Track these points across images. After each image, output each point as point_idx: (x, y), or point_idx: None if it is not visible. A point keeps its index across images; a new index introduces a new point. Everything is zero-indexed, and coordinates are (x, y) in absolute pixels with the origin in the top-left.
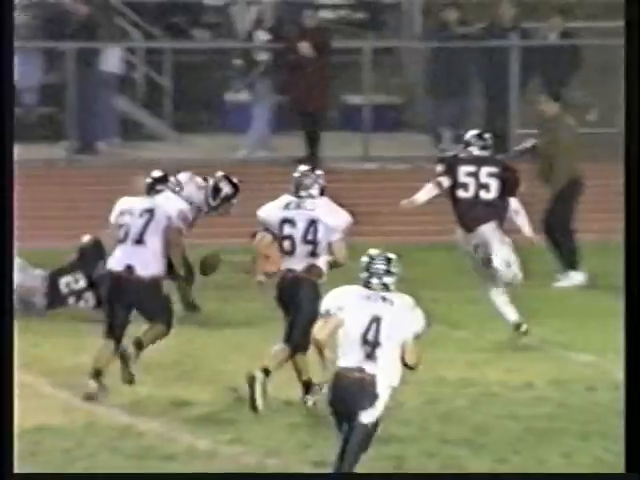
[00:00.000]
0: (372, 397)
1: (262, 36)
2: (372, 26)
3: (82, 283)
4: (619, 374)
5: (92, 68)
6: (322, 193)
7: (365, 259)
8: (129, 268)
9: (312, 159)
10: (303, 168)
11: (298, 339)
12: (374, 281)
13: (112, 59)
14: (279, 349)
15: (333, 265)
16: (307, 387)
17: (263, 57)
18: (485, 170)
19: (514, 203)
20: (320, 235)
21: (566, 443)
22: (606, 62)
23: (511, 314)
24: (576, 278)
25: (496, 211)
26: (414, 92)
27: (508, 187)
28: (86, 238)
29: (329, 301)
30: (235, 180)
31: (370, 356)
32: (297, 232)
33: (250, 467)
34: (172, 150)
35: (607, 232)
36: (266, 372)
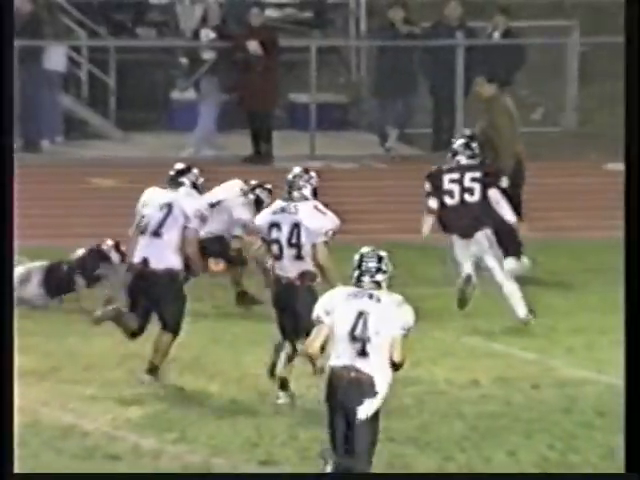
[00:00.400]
0: (371, 394)
1: (208, 35)
2: (318, 25)
3: (81, 284)
4: (563, 372)
5: (36, 66)
6: (315, 194)
7: (356, 257)
8: (145, 261)
9: (259, 158)
10: (296, 169)
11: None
12: (365, 279)
13: (56, 57)
14: (283, 358)
15: (318, 268)
16: (283, 385)
17: (209, 56)
18: (469, 175)
19: (494, 194)
20: (303, 238)
21: (511, 441)
22: (550, 61)
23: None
24: (516, 266)
25: (489, 215)
26: (360, 91)
27: (489, 182)
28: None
29: (318, 307)
30: (269, 186)
31: (362, 353)
32: (282, 236)
33: (195, 466)
34: (117, 149)
35: (553, 230)
36: (283, 385)
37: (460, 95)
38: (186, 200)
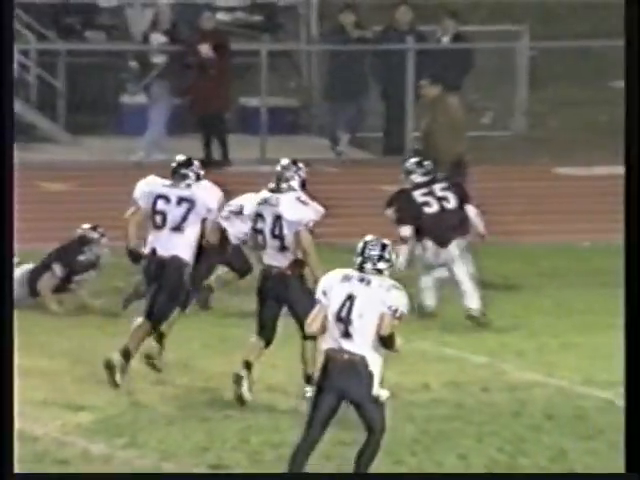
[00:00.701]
0: (365, 377)
1: (158, 38)
2: (268, 29)
3: (58, 272)
4: (514, 375)
5: None
6: (303, 185)
7: (360, 244)
8: (154, 251)
9: (210, 162)
10: (284, 162)
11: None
12: (368, 266)
13: None
14: (255, 342)
15: (304, 258)
16: (308, 378)
17: (159, 59)
18: (437, 186)
19: (471, 210)
20: (285, 230)
21: (462, 444)
22: (500, 66)
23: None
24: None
25: (466, 224)
26: (311, 95)
27: (463, 199)
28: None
29: (319, 287)
30: None
31: (345, 334)
32: (266, 227)
33: (145, 471)
34: (66, 153)
35: (505, 234)
36: (247, 365)
37: (411, 99)
38: (206, 194)
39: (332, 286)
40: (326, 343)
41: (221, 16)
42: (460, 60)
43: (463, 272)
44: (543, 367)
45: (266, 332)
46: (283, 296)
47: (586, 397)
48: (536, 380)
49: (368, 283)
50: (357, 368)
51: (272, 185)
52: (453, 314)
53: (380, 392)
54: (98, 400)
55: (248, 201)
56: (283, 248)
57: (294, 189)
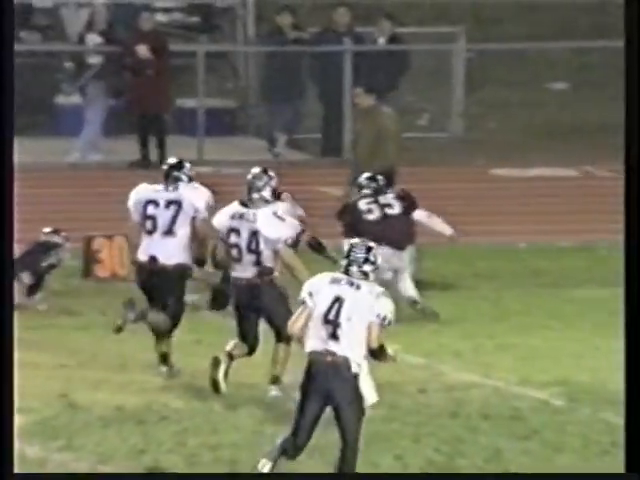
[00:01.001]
0: (349, 378)
1: (93, 39)
2: (205, 30)
3: (27, 280)
4: (451, 376)
5: None
6: (274, 194)
7: (346, 247)
8: (154, 258)
9: (146, 162)
10: (255, 170)
11: (284, 333)
12: (353, 269)
13: None
14: (238, 344)
15: (290, 272)
16: (275, 379)
17: (95, 60)
18: (383, 197)
19: (419, 215)
20: (262, 246)
21: (399, 445)
22: (437, 68)
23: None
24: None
25: (413, 230)
26: (248, 96)
27: (408, 206)
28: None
29: (304, 289)
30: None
31: (332, 336)
32: (242, 242)
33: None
34: None
35: (442, 235)
36: (230, 357)
37: (348, 101)
38: (193, 193)
39: (320, 288)
40: (311, 345)
41: (158, 17)
42: (397, 61)
43: (408, 278)
44: (480, 368)
45: (249, 341)
46: (256, 305)
47: (522, 397)
48: (473, 381)
49: (358, 288)
50: (340, 370)
51: (243, 197)
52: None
53: (367, 396)
54: (34, 402)
55: (219, 215)
56: (258, 263)
57: (267, 199)
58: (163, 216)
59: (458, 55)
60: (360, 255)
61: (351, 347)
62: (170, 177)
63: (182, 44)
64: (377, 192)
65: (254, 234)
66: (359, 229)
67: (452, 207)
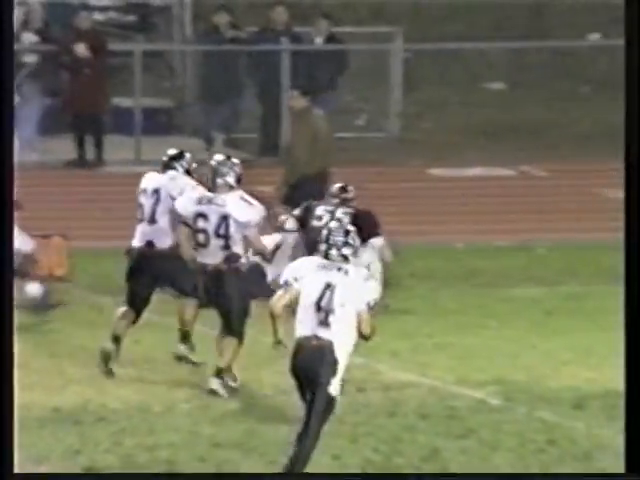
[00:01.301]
0: (332, 363)
1: (29, 38)
2: (142, 29)
3: None
4: (388, 375)
5: None
6: (239, 181)
7: (324, 232)
8: (148, 243)
9: (83, 162)
10: (219, 157)
11: (239, 328)
12: (333, 252)
13: None
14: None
15: (259, 253)
16: (219, 372)
17: (30, 59)
18: (342, 210)
19: (377, 242)
20: (232, 230)
21: (336, 445)
22: (374, 68)
23: None
24: None
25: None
26: (185, 95)
27: (367, 230)
28: None
29: (287, 272)
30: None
31: (324, 323)
32: (210, 226)
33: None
34: None
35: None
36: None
37: (286, 100)
38: (170, 184)
39: (306, 273)
40: (300, 331)
41: (95, 15)
42: (334, 61)
43: None
44: (417, 367)
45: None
46: (220, 292)
47: (459, 397)
48: (410, 380)
49: (346, 273)
50: (324, 353)
51: (207, 181)
52: None
53: (333, 387)
54: None
55: (182, 200)
56: (226, 247)
57: (231, 185)
58: (147, 204)
59: (395, 55)
60: (339, 239)
61: (340, 333)
62: (166, 167)
63: (119, 43)
64: (342, 203)
65: (224, 218)
66: (304, 229)
67: (389, 207)
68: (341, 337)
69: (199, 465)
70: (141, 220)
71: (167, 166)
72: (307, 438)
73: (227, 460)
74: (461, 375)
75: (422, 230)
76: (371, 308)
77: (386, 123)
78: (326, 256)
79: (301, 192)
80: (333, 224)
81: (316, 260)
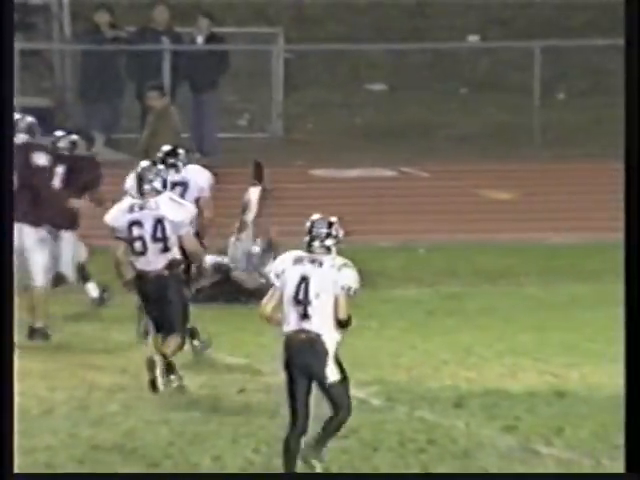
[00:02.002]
0: (324, 353)
1: None
2: (21, 28)
3: None
4: (270, 377)
5: None
6: (165, 186)
7: (308, 224)
8: None
9: None
10: (144, 163)
11: (178, 327)
12: (316, 244)
13: None
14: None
15: (190, 256)
16: (171, 368)
17: None
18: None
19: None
20: (168, 232)
21: (217, 446)
22: (257, 68)
23: None
24: None
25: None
26: (65, 95)
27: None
28: None
29: (271, 271)
30: None
31: (304, 315)
32: (146, 232)
33: None
34: None
35: (263, 235)
36: (164, 355)
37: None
38: (198, 176)
39: (285, 269)
40: (286, 326)
41: None
42: (215, 61)
43: None
44: None
45: (158, 327)
46: (162, 296)
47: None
48: None
49: (320, 264)
50: (315, 346)
51: (133, 189)
52: (213, 317)
53: (330, 373)
54: None
55: (113, 212)
56: (165, 250)
57: (158, 190)
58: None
59: (277, 56)
60: (322, 230)
61: (322, 322)
62: (164, 163)
63: None
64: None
65: (159, 221)
66: None
67: (272, 207)
68: (324, 327)
69: (76, 467)
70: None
71: (164, 162)
72: (330, 426)
73: (106, 462)
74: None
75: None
76: (349, 294)
77: (268, 124)
78: (309, 247)
79: None
80: (316, 216)
81: (293, 255)
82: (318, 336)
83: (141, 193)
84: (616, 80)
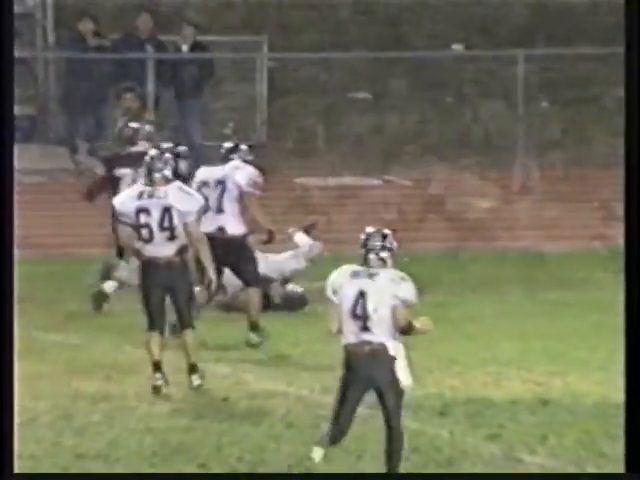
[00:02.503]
0: (387, 362)
1: None
2: None
3: None
4: (254, 385)
5: None
6: (175, 174)
7: (362, 236)
8: (220, 229)
9: None
10: (152, 151)
11: (187, 318)
12: (371, 257)
13: None
14: (154, 337)
15: (197, 244)
16: (192, 368)
17: None
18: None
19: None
20: (175, 221)
21: (201, 454)
22: (241, 76)
23: None
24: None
25: None
26: (49, 103)
27: None
28: None
29: (328, 287)
30: None
31: (364, 329)
32: (153, 220)
33: None
34: None
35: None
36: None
37: (151, 108)
38: (235, 173)
39: (342, 284)
40: (346, 339)
41: None
42: (200, 70)
43: None
44: (283, 376)
45: (158, 323)
46: (169, 283)
47: (324, 406)
48: (276, 389)
49: (377, 278)
50: (379, 356)
51: (144, 178)
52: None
53: (402, 377)
54: None
55: (121, 198)
56: (172, 238)
57: (168, 178)
58: (212, 196)
59: (261, 64)
60: (377, 243)
61: (384, 333)
62: (225, 159)
63: None
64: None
65: (166, 210)
66: None
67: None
68: (386, 336)
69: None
70: (205, 212)
71: (225, 158)
72: (399, 436)
73: (90, 471)
74: (326, 383)
75: (286, 238)
76: (408, 305)
77: (253, 132)
78: (365, 260)
79: None
80: (370, 229)
81: (348, 269)
82: (382, 345)
83: (150, 181)
84: (600, 88)
